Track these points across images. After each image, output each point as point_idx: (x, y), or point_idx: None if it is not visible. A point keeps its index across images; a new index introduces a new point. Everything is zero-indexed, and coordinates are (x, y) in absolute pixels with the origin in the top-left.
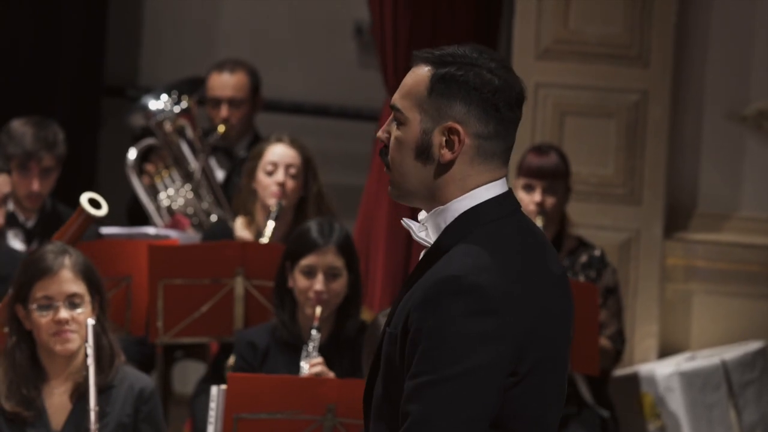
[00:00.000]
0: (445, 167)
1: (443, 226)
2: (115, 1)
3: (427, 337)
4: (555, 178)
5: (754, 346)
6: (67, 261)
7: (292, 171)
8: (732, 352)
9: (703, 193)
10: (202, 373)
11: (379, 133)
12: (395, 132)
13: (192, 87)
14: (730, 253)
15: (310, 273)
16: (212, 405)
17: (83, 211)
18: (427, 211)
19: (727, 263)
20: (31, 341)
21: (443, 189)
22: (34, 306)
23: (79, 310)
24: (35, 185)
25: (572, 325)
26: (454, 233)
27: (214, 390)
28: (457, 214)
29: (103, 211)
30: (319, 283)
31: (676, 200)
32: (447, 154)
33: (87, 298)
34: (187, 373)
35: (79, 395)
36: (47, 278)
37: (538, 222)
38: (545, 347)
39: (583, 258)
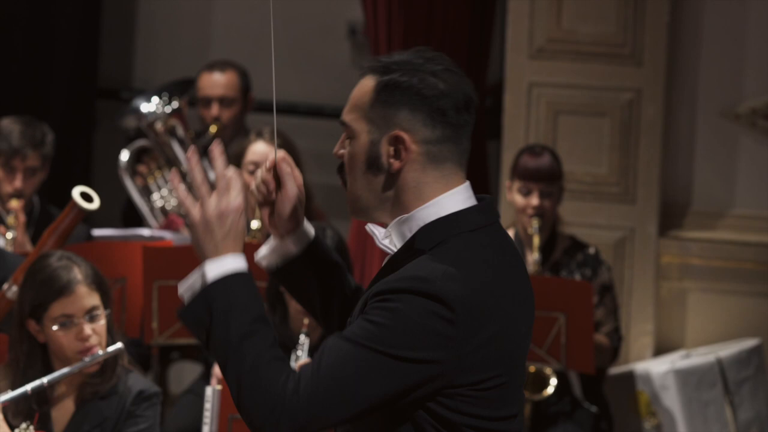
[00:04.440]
0: (396, 176)
1: (408, 235)
2: (109, 4)
3: (380, 314)
4: (551, 180)
5: (749, 343)
6: (79, 275)
7: None
8: (727, 350)
9: (697, 191)
10: (198, 374)
11: (335, 150)
12: (347, 147)
13: (183, 88)
14: (725, 251)
15: None
16: (207, 405)
17: (75, 204)
18: (389, 223)
19: (721, 261)
20: (44, 354)
21: (400, 198)
22: (53, 326)
23: (98, 323)
24: (18, 183)
25: (530, 339)
26: (423, 241)
27: (209, 390)
28: (422, 223)
29: (95, 204)
30: None
31: (670, 198)
32: (396, 164)
33: (101, 306)
34: (183, 375)
35: (82, 399)
36: (65, 297)
37: (535, 224)
38: (503, 362)
39: (579, 257)
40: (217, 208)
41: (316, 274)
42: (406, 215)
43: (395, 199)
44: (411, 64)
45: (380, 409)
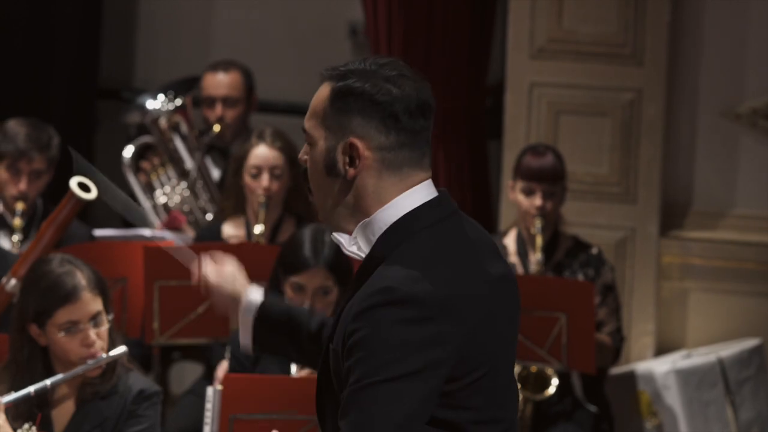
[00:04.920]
0: (352, 183)
1: (373, 238)
2: (109, 4)
3: (364, 345)
4: (555, 180)
5: (750, 343)
6: (83, 281)
7: (277, 172)
8: (728, 350)
9: (698, 191)
10: (199, 374)
11: (299, 155)
12: (309, 154)
13: (188, 86)
14: (726, 251)
15: (299, 290)
16: (208, 406)
17: (73, 195)
18: (354, 229)
19: (722, 261)
20: (45, 357)
21: (360, 203)
22: (59, 332)
23: (102, 327)
24: (22, 185)
25: (517, 324)
26: (386, 244)
27: (210, 391)
28: (384, 226)
29: (93, 194)
30: (306, 305)
31: (671, 198)
32: (351, 171)
33: (104, 311)
34: (184, 375)
35: (83, 399)
36: (70, 304)
37: (538, 224)
38: (489, 350)
39: (582, 257)
40: None
41: (278, 331)
42: (367, 219)
43: (355, 205)
44: (365, 70)
45: None
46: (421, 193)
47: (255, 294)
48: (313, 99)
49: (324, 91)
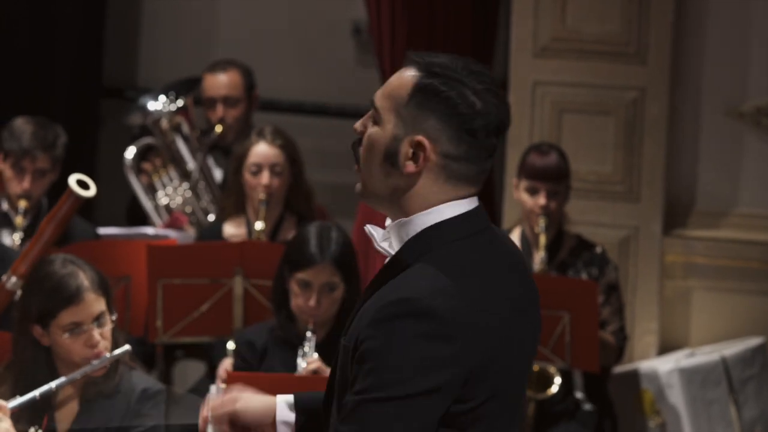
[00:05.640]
0: (408, 179)
1: (406, 239)
2: (113, 3)
3: (376, 356)
4: (558, 180)
5: (753, 342)
6: (86, 281)
7: (277, 169)
8: (732, 349)
9: (702, 190)
10: (202, 372)
11: (357, 125)
12: (370, 129)
13: (189, 87)
14: (729, 250)
15: (305, 286)
16: None
17: (72, 192)
18: (392, 220)
19: (726, 260)
20: (48, 357)
21: (406, 201)
22: (63, 333)
23: (106, 327)
24: (26, 184)
25: (536, 346)
26: (415, 249)
27: (214, 389)
28: (419, 229)
29: (92, 191)
30: (312, 301)
31: (674, 197)
32: (410, 166)
33: (107, 311)
34: (188, 373)
35: (86, 399)
36: (74, 305)
37: (542, 223)
38: (502, 375)
39: (585, 256)
40: None
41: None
42: (406, 219)
43: (401, 200)
44: (456, 73)
45: None
46: (462, 205)
47: (281, 396)
48: (394, 78)
49: (408, 78)
